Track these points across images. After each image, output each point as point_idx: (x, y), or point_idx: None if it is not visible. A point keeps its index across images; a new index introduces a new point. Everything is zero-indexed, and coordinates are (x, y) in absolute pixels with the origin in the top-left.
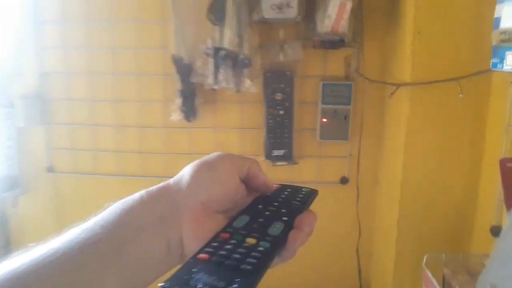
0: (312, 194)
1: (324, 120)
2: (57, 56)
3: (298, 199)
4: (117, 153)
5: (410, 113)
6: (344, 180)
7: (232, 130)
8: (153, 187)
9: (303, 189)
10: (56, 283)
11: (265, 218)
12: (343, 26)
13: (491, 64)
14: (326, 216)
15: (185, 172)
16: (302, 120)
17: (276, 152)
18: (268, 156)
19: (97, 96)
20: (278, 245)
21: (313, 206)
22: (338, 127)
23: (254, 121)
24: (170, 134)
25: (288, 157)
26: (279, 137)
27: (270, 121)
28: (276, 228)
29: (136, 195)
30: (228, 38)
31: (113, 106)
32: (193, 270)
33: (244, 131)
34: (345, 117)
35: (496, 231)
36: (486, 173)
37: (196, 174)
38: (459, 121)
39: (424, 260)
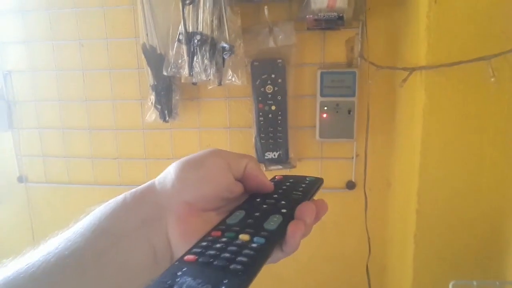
0: (316, 183)
1: (324, 115)
2: (20, 52)
3: (300, 189)
4: (92, 159)
5: (427, 103)
6: (350, 185)
7: (218, 130)
8: (138, 188)
9: (307, 179)
10: None
11: (262, 212)
12: (341, 0)
13: None
14: (331, 227)
15: (170, 171)
16: (299, 117)
17: (269, 155)
18: (261, 159)
19: (68, 96)
20: (275, 239)
21: None
22: (341, 123)
23: (243, 119)
24: (149, 136)
25: (283, 160)
26: (272, 137)
27: (261, 118)
28: (273, 222)
29: (119, 198)
30: (203, 20)
31: (85, 106)
32: (177, 273)
33: (232, 131)
34: (349, 111)
35: None
36: None
37: (181, 173)
38: (490, 112)
39: (450, 287)
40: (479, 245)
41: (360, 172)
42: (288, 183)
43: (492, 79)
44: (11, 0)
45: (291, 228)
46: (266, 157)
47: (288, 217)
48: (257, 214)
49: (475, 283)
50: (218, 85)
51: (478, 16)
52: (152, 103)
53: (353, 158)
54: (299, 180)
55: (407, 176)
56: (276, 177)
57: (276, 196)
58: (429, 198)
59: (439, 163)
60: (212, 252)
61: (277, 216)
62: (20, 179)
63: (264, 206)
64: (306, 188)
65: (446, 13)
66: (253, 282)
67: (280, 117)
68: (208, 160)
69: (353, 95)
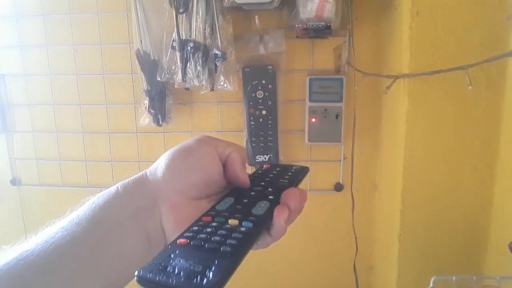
0: (302, 171)
1: (313, 120)
2: (14, 56)
3: (286, 177)
4: (86, 162)
5: (409, 109)
6: (338, 187)
7: (210, 134)
8: (129, 179)
9: (293, 167)
10: (30, 285)
11: (250, 199)
12: (329, 10)
13: None
14: (319, 227)
15: (160, 162)
16: (288, 121)
17: (260, 158)
18: (252, 162)
19: (61, 100)
20: (262, 224)
21: (306, 215)
22: (329, 128)
23: (234, 124)
24: (143, 140)
25: (273, 163)
26: (263, 141)
27: (252, 122)
28: (260, 208)
29: (112, 188)
30: (195, 28)
31: (79, 110)
32: (171, 256)
33: (224, 135)
34: (337, 116)
35: None
36: (501, 178)
37: (172, 163)
38: (468, 118)
39: (431, 283)
40: (459, 243)
41: (348, 174)
42: (275, 171)
43: (470, 87)
44: (6, 5)
45: (277, 212)
46: (256, 160)
47: (275, 203)
48: (245, 200)
49: (454, 278)
50: (211, 91)
51: (457, 28)
52: (145, 107)
53: (340, 161)
54: (285, 168)
55: (392, 178)
56: (264, 166)
57: (263, 183)
58: (412, 199)
59: (422, 166)
60: (203, 236)
61: (265, 202)
62: (13, 182)
63: (252, 193)
64: (292, 176)
65: (427, 25)
66: (243, 280)
67: (270, 122)
68: (199, 149)
69: (341, 100)
